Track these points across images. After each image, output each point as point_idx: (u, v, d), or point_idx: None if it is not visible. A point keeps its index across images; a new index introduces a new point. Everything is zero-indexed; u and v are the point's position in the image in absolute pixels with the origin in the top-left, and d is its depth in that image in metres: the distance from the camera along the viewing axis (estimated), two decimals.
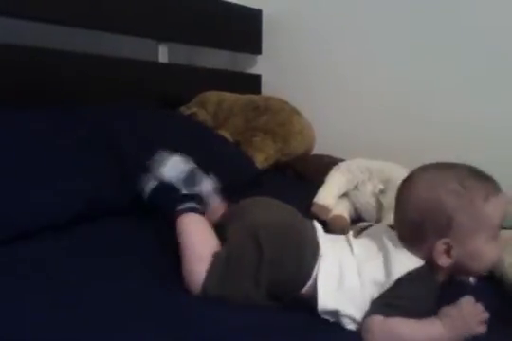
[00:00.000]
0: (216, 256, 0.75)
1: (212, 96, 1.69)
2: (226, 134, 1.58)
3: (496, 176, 0.75)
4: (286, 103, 1.70)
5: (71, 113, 1.13)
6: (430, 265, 0.72)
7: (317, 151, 1.70)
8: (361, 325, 0.69)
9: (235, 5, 1.79)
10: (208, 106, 1.65)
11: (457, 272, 0.76)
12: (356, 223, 1.11)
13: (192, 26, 1.65)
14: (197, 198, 0.87)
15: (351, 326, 0.70)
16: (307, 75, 1.86)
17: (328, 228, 1.05)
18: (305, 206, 1.15)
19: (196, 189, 0.90)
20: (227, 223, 0.82)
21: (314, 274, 0.73)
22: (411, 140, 1.59)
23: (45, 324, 0.61)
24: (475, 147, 1.40)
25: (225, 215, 0.87)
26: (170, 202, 0.85)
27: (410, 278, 0.69)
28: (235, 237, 0.77)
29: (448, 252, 0.71)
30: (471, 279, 0.87)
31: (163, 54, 1.64)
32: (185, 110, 1.60)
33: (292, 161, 1.62)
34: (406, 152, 1.42)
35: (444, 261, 0.71)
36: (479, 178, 0.73)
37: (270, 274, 0.73)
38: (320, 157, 1.61)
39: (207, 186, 0.92)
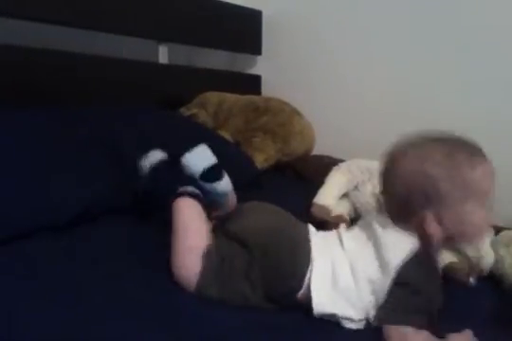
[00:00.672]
0: (208, 257, 0.74)
1: (213, 96, 1.69)
2: (226, 134, 1.58)
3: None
4: (286, 104, 1.70)
5: (71, 113, 1.13)
6: (424, 240, 0.72)
7: (317, 151, 1.70)
8: (360, 322, 0.69)
9: (235, 5, 1.79)
10: (208, 107, 1.65)
11: (449, 242, 0.76)
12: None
13: (192, 27, 1.65)
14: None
15: (350, 325, 0.70)
16: (307, 75, 1.86)
17: (328, 229, 1.05)
18: (305, 207, 1.15)
19: (214, 186, 0.88)
20: (224, 223, 0.83)
21: (307, 277, 0.73)
22: None
23: (45, 323, 0.61)
24: None
25: (226, 216, 0.87)
26: (170, 182, 0.83)
27: (405, 270, 0.68)
28: (227, 240, 0.77)
29: (437, 221, 0.71)
30: (471, 279, 0.87)
31: (163, 55, 1.64)
32: (185, 111, 1.60)
33: (292, 161, 1.62)
34: None
35: (435, 230, 0.71)
36: (465, 147, 0.74)
37: (262, 277, 0.73)
38: (320, 158, 1.61)
39: (227, 184, 0.92)
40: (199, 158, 0.89)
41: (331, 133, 1.72)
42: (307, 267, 0.73)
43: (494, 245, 0.97)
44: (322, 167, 1.37)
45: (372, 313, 0.69)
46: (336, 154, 1.55)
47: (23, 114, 1.05)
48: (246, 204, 0.87)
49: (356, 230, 0.80)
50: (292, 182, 1.52)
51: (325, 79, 1.82)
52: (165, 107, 1.54)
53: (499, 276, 0.91)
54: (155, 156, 0.91)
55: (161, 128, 1.23)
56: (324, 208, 1.14)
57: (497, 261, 0.94)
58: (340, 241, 0.78)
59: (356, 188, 1.21)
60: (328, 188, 1.21)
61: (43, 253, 0.78)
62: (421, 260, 0.70)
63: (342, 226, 0.83)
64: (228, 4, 1.76)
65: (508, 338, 0.72)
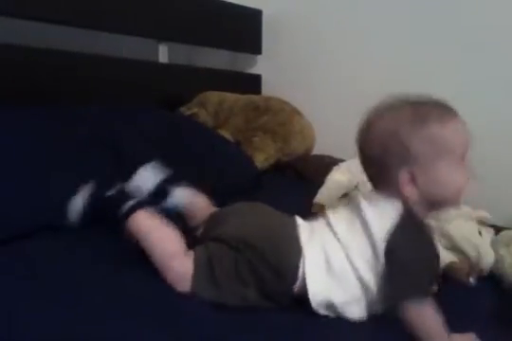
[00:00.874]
0: (197, 260, 0.74)
1: (213, 96, 1.69)
2: (226, 134, 1.58)
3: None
4: (287, 103, 1.70)
5: (71, 113, 1.13)
6: (405, 204, 0.72)
7: (317, 151, 1.70)
8: (360, 304, 0.70)
9: (235, 5, 1.79)
10: (208, 106, 1.65)
11: (431, 207, 0.75)
12: None
13: (192, 26, 1.65)
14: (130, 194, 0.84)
15: (351, 311, 0.70)
16: (307, 75, 1.86)
17: None
18: (305, 207, 1.15)
19: (169, 201, 0.89)
20: (208, 226, 0.83)
21: (301, 269, 0.72)
22: None
23: (45, 323, 0.61)
24: (475, 147, 1.40)
25: (209, 218, 0.86)
26: (112, 208, 0.81)
27: (394, 240, 0.68)
28: (214, 243, 0.77)
29: (412, 181, 0.71)
30: (471, 279, 0.87)
31: (163, 54, 1.64)
32: (185, 110, 1.60)
33: (292, 161, 1.61)
34: None
35: (409, 191, 0.71)
36: (437, 106, 0.75)
37: (255, 275, 0.73)
38: (321, 157, 1.61)
39: (179, 197, 0.91)
40: (143, 180, 0.89)
41: (331, 133, 1.72)
42: (299, 259, 0.73)
43: (494, 245, 0.97)
44: (322, 167, 1.37)
45: (373, 290, 0.69)
46: (336, 154, 1.55)
47: (22, 113, 1.05)
48: (229, 206, 0.87)
49: (342, 211, 0.80)
50: (292, 182, 1.52)
51: (325, 78, 1.82)
52: (165, 106, 1.54)
53: (499, 276, 0.91)
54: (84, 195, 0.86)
55: (161, 128, 1.23)
56: (324, 208, 1.14)
57: (497, 261, 0.94)
58: (329, 225, 0.77)
59: (356, 187, 1.20)
60: (328, 187, 1.21)
61: (43, 253, 0.78)
62: (408, 226, 0.70)
63: (329, 211, 0.81)
64: (228, 3, 1.76)
65: (508, 338, 0.72)
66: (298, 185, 1.46)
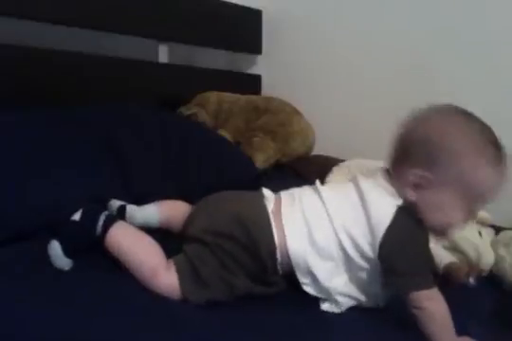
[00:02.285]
0: (179, 269, 0.74)
1: (212, 96, 1.68)
2: (226, 134, 1.58)
3: None
4: (287, 104, 1.70)
5: (71, 113, 1.13)
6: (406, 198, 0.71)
7: (317, 151, 1.70)
8: (343, 277, 0.72)
9: (235, 5, 1.79)
10: (208, 106, 1.65)
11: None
12: None
13: (192, 27, 1.65)
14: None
15: (337, 283, 0.72)
16: (307, 75, 1.86)
17: None
18: None
19: (139, 217, 0.87)
20: (184, 227, 0.83)
21: (278, 243, 0.73)
22: None
23: (45, 323, 0.61)
24: None
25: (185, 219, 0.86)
26: (85, 230, 0.77)
27: (395, 230, 0.68)
28: (191, 243, 0.77)
29: (416, 186, 0.70)
30: (471, 280, 0.87)
31: (163, 54, 1.63)
32: (185, 110, 1.59)
33: (292, 161, 1.61)
34: None
35: (409, 194, 0.71)
36: (493, 141, 0.71)
37: (235, 261, 0.73)
38: (321, 158, 1.61)
39: (150, 213, 0.89)
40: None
41: (331, 133, 1.72)
42: (272, 235, 0.73)
43: (494, 245, 0.97)
44: (322, 167, 1.37)
45: (362, 265, 0.70)
46: (336, 155, 1.55)
47: (22, 113, 1.05)
48: (197, 202, 0.86)
49: (337, 188, 0.81)
50: (292, 182, 1.52)
51: (325, 78, 1.82)
52: (165, 106, 1.54)
53: (499, 276, 0.91)
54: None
55: (161, 128, 1.23)
56: None
57: (497, 261, 0.94)
58: (320, 197, 0.77)
59: None
60: None
61: (43, 253, 0.78)
62: (408, 218, 0.70)
63: (317, 182, 0.82)
64: (228, 3, 1.76)
65: (508, 338, 0.72)
66: (298, 185, 1.45)
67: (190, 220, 0.82)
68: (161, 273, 0.73)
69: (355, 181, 0.77)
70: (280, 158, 1.59)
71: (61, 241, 0.75)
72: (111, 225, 0.76)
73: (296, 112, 1.68)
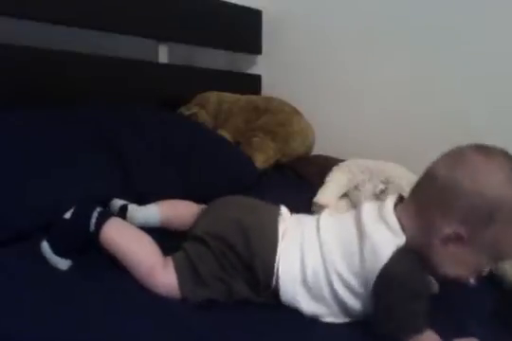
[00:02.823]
0: (178, 266, 0.74)
1: (212, 96, 1.68)
2: (226, 134, 1.58)
3: None
4: (286, 104, 1.69)
5: (71, 113, 1.13)
6: (422, 246, 0.67)
7: (317, 151, 1.70)
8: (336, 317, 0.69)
9: (235, 5, 1.79)
10: (208, 107, 1.65)
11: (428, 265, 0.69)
12: None
13: (192, 27, 1.65)
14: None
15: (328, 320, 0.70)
16: (307, 75, 1.86)
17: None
18: (305, 207, 1.15)
19: (140, 217, 0.88)
20: (193, 224, 0.82)
21: (276, 265, 0.71)
22: (412, 141, 1.59)
23: (45, 323, 0.61)
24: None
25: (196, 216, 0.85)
26: (78, 226, 0.76)
27: (390, 269, 0.64)
28: (192, 243, 0.77)
29: (446, 241, 0.65)
30: (471, 280, 0.86)
31: (163, 54, 1.63)
32: (185, 110, 1.59)
33: (292, 161, 1.61)
34: (406, 153, 1.42)
35: (435, 243, 0.65)
36: None
37: (233, 267, 0.72)
38: (321, 157, 1.61)
39: (151, 213, 0.89)
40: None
41: (331, 133, 1.72)
42: (274, 255, 0.72)
43: None
44: (322, 167, 1.37)
45: (355, 307, 0.68)
46: (336, 154, 1.55)
47: (22, 113, 1.05)
48: (211, 202, 0.86)
49: (339, 216, 0.77)
50: (292, 182, 1.52)
51: (325, 78, 1.82)
52: (165, 107, 1.54)
53: (499, 276, 0.91)
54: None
55: (161, 128, 1.23)
56: (324, 208, 1.14)
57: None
58: (318, 224, 0.74)
59: (356, 187, 1.21)
60: (328, 187, 1.21)
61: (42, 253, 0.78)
62: (406, 260, 0.66)
63: (325, 211, 0.79)
64: (228, 3, 1.76)
65: (508, 338, 0.72)
66: (298, 185, 1.46)
67: (197, 219, 0.82)
68: (159, 272, 0.73)
69: (358, 210, 0.73)
70: (280, 158, 1.59)
71: (49, 240, 0.74)
72: (104, 222, 0.76)
73: (296, 112, 1.68)
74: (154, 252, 0.76)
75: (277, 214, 0.78)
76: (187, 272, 0.73)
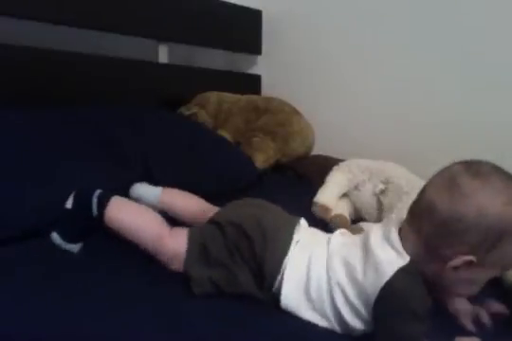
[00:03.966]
0: (191, 238, 0.76)
1: (212, 96, 1.69)
2: (226, 134, 1.58)
3: None
4: (286, 104, 1.70)
5: (71, 113, 1.13)
6: (427, 267, 0.66)
7: (317, 151, 1.70)
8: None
9: (235, 5, 1.79)
10: (208, 107, 1.65)
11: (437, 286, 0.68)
12: (357, 223, 1.11)
13: (192, 27, 1.65)
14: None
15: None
16: (307, 75, 1.86)
17: (329, 228, 1.05)
18: (305, 207, 1.15)
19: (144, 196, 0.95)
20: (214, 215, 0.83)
21: (281, 269, 0.71)
22: (412, 141, 1.59)
23: (45, 322, 0.62)
24: (476, 148, 1.40)
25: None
26: (82, 211, 0.80)
27: (390, 290, 0.63)
28: (210, 226, 0.78)
29: (457, 267, 0.64)
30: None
31: (163, 54, 1.64)
32: (185, 110, 1.60)
33: (292, 161, 1.62)
34: (406, 153, 1.42)
35: (447, 269, 0.64)
36: None
37: (243, 257, 0.73)
38: (321, 157, 1.61)
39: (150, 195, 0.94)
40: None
41: (331, 133, 1.72)
42: (282, 259, 0.72)
43: None
44: (322, 167, 1.37)
45: (354, 324, 0.68)
46: (336, 154, 1.55)
47: (22, 113, 1.05)
48: (231, 202, 0.86)
49: (349, 237, 0.78)
50: (292, 182, 1.52)
51: (325, 78, 1.82)
52: (165, 107, 1.54)
53: (499, 276, 0.91)
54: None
55: (161, 128, 1.23)
56: (325, 208, 1.14)
57: None
58: (329, 242, 0.75)
59: (356, 187, 1.21)
60: (328, 187, 1.21)
61: (43, 253, 0.78)
62: (408, 280, 0.64)
63: (337, 232, 0.79)
64: (228, 3, 1.76)
65: (508, 338, 0.72)
66: (298, 185, 1.46)
67: (218, 211, 0.83)
68: (167, 238, 0.75)
69: (366, 233, 0.73)
70: (280, 158, 1.59)
71: (57, 231, 0.79)
72: (107, 203, 0.79)
73: (295, 112, 1.68)
74: (159, 222, 0.78)
75: (295, 223, 0.79)
76: (197, 246, 0.74)
